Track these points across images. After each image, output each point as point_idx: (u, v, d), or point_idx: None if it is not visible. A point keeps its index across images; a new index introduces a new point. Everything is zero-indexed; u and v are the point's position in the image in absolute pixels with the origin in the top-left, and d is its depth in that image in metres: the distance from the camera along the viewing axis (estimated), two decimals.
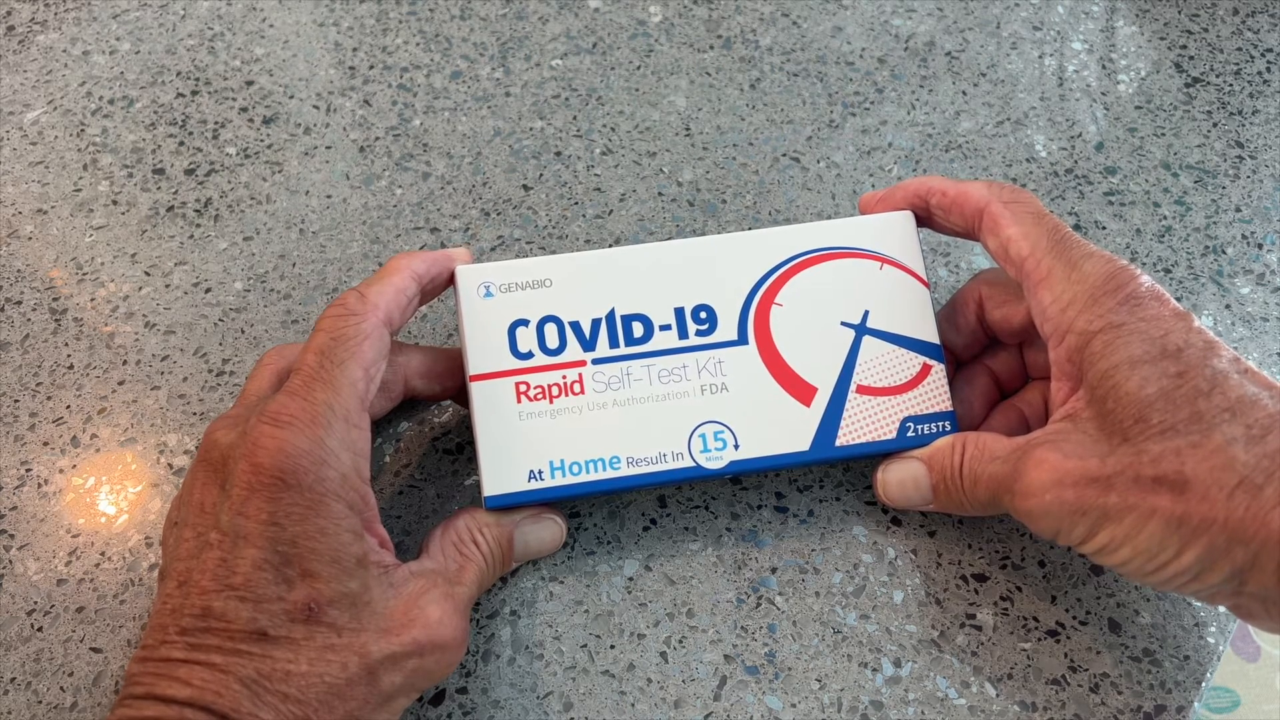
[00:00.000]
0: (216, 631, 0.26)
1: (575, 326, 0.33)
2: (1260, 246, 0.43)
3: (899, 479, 0.33)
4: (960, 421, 0.35)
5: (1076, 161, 0.46)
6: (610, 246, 0.42)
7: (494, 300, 0.33)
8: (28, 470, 0.37)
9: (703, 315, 0.34)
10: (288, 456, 0.27)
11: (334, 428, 0.28)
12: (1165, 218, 0.44)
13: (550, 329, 0.33)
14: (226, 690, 0.25)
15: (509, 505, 0.32)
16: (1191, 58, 0.50)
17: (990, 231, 0.32)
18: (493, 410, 0.32)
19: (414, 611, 0.28)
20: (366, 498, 0.29)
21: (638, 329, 0.33)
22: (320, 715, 0.26)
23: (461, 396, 0.36)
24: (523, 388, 0.33)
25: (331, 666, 0.27)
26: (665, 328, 0.33)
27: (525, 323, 0.33)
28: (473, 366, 0.33)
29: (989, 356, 0.36)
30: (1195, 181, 0.45)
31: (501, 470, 0.32)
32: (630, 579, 0.35)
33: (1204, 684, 0.33)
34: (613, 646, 0.34)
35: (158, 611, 0.27)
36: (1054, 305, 0.30)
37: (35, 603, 0.34)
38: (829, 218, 0.43)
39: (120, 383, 0.39)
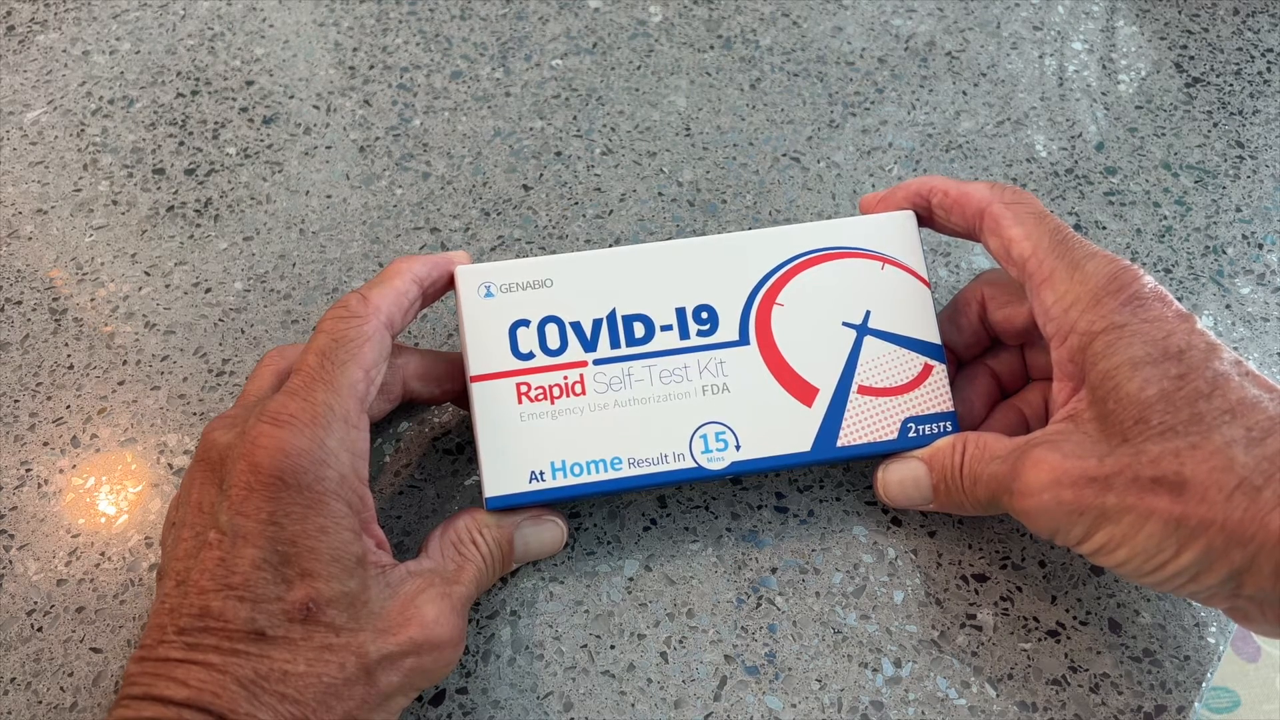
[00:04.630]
0: (214, 631, 0.26)
1: (576, 327, 0.33)
2: (1260, 246, 0.43)
3: (899, 478, 0.33)
4: (961, 421, 0.35)
5: (1076, 161, 0.46)
6: (610, 246, 0.42)
7: (494, 300, 0.33)
8: (28, 470, 0.37)
9: (704, 315, 0.34)
10: (286, 456, 0.27)
11: (333, 428, 0.28)
12: (1165, 218, 0.44)
13: (551, 329, 0.33)
14: (224, 691, 0.25)
15: (510, 506, 0.32)
16: (1192, 58, 0.50)
17: (992, 232, 0.32)
18: (494, 411, 0.32)
19: (410, 611, 0.28)
20: (365, 498, 0.29)
21: (639, 329, 0.33)
22: (318, 715, 0.26)
23: (460, 400, 0.36)
24: (524, 388, 0.33)
25: (329, 667, 0.27)
26: (666, 328, 0.33)
27: (526, 323, 0.33)
28: (473, 367, 0.33)
29: (990, 357, 0.36)
30: (1195, 181, 0.45)
31: (502, 471, 0.32)
32: (630, 579, 0.35)
33: (1204, 684, 0.33)
34: (613, 646, 0.34)
35: (156, 611, 0.27)
36: (1056, 305, 0.30)
37: (35, 603, 0.34)
38: (829, 218, 0.43)
39: (120, 383, 0.39)
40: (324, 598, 0.27)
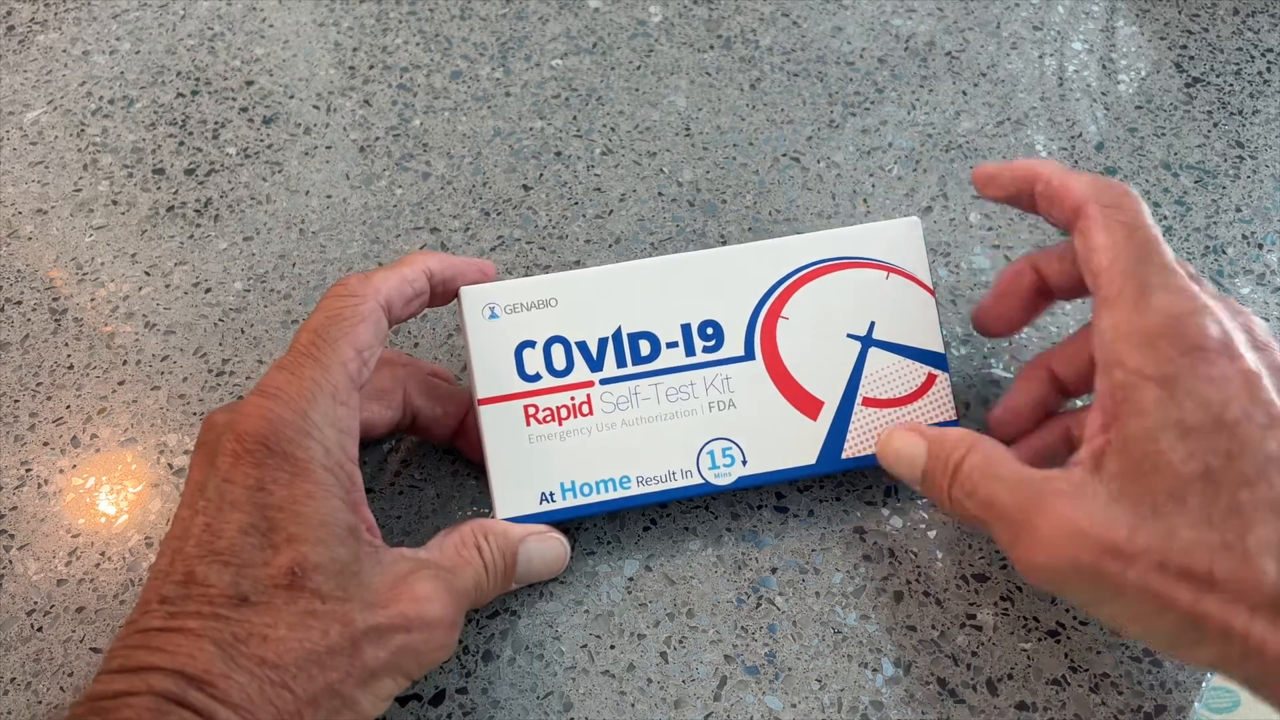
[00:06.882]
0: (197, 598, 0.26)
1: (582, 347, 0.33)
2: (1260, 246, 0.43)
3: (896, 450, 0.32)
4: (1003, 429, 0.34)
5: (1077, 161, 0.46)
6: (611, 246, 0.42)
7: (499, 322, 0.33)
8: (28, 470, 0.37)
9: (709, 331, 0.34)
10: (271, 424, 0.27)
11: (318, 402, 0.28)
12: (1165, 218, 0.44)
13: (557, 350, 0.33)
14: (200, 652, 0.25)
15: None
16: (1192, 58, 0.50)
17: (1081, 233, 0.30)
18: (503, 433, 0.32)
19: (402, 588, 0.28)
20: (353, 477, 0.29)
21: (644, 347, 0.33)
22: (299, 683, 0.26)
23: (460, 437, 0.36)
24: (531, 410, 0.33)
25: (312, 633, 0.26)
26: (672, 345, 0.33)
27: (532, 344, 0.33)
28: (481, 390, 0.33)
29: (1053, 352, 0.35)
30: (1195, 181, 0.45)
31: (513, 493, 0.32)
32: (630, 579, 0.35)
33: (1204, 684, 0.33)
34: (613, 646, 0.34)
35: (146, 585, 0.27)
36: (1110, 330, 0.28)
37: (35, 603, 0.34)
38: (829, 218, 0.43)
39: (120, 383, 0.39)
40: (310, 563, 0.27)
